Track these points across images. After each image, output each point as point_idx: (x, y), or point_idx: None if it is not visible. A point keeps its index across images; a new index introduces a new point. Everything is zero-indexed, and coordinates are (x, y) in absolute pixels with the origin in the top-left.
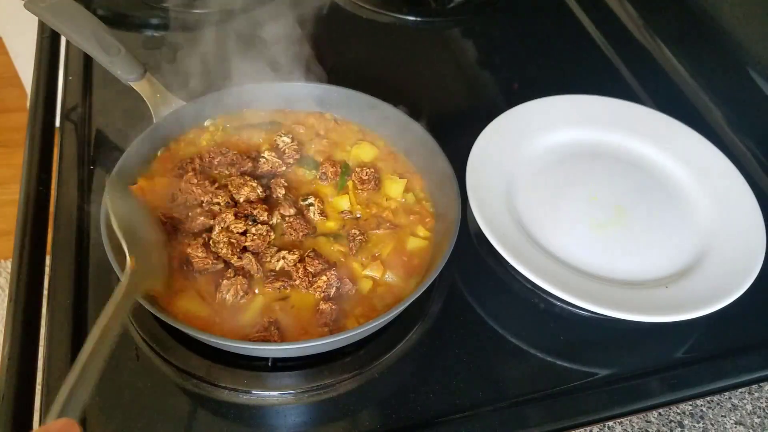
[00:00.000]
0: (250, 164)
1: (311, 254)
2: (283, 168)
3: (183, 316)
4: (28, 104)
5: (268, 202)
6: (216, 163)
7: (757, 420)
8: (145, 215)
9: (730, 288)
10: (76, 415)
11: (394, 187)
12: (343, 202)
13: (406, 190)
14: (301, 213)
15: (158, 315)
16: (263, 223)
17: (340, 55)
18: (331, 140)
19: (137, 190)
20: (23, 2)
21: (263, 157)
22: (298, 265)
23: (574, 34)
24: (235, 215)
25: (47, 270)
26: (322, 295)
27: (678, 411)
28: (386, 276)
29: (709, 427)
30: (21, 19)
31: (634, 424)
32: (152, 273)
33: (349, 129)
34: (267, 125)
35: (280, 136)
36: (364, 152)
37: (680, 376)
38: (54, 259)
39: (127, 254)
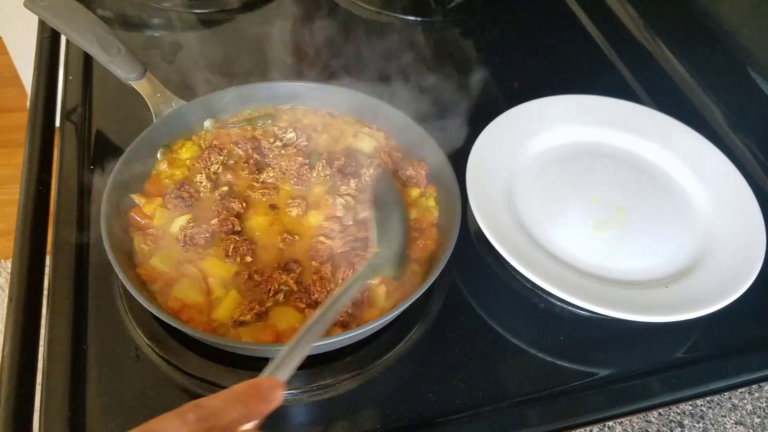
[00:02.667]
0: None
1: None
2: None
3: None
4: (28, 104)
5: None
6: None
7: (757, 420)
8: (397, 207)
9: (730, 288)
10: (285, 378)
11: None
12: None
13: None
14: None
15: (158, 315)
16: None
17: (339, 55)
18: (330, 135)
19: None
20: (23, 2)
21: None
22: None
23: (574, 34)
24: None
25: (47, 270)
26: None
27: (678, 411)
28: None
29: (709, 427)
30: (21, 18)
31: (634, 424)
32: (391, 260)
33: (345, 121)
34: (262, 119)
35: (285, 133)
36: (365, 144)
37: (680, 376)
38: (54, 259)
39: (376, 241)
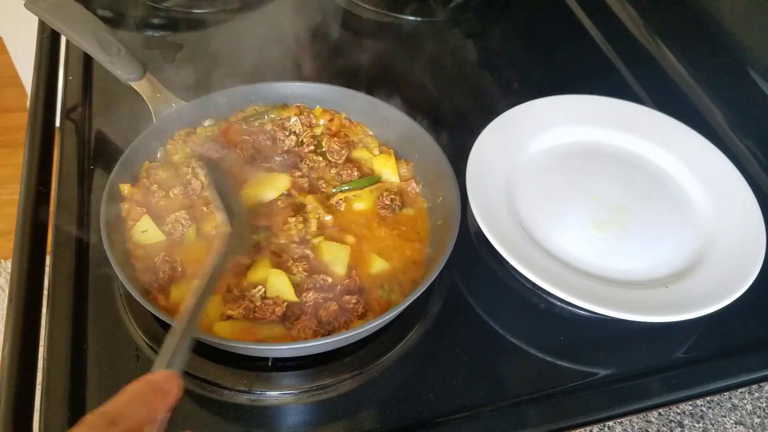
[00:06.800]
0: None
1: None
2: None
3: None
4: (28, 104)
5: None
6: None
7: (757, 420)
8: (233, 188)
9: (730, 288)
10: (180, 370)
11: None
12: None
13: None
14: None
15: (158, 315)
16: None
17: (339, 55)
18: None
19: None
20: (23, 2)
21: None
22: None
23: (574, 34)
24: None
25: (47, 270)
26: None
27: (678, 411)
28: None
29: (709, 427)
30: (21, 19)
31: (634, 424)
32: (241, 239)
33: (337, 117)
34: (271, 111)
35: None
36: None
37: (680, 376)
38: (54, 259)
39: (227, 221)
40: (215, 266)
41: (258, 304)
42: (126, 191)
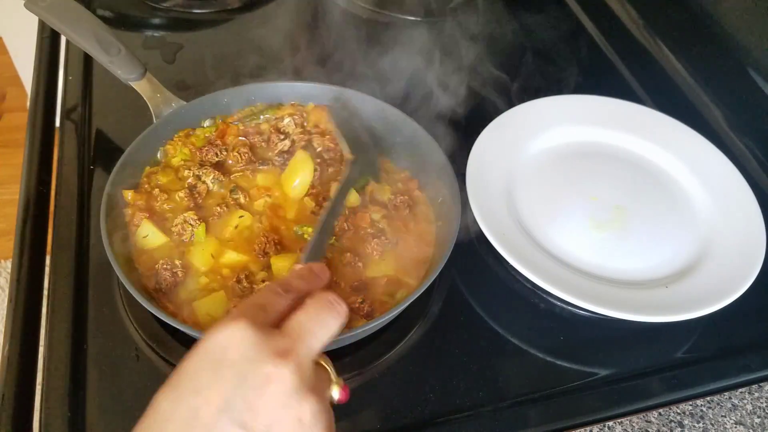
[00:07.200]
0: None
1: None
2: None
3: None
4: (28, 104)
5: None
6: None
7: (757, 420)
8: (355, 123)
9: (730, 288)
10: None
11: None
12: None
13: None
14: None
15: (158, 315)
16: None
17: (339, 55)
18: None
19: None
20: (23, 2)
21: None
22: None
23: (574, 34)
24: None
25: (47, 270)
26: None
27: (678, 411)
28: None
29: (709, 427)
30: (21, 19)
31: (634, 424)
32: (367, 166)
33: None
34: (266, 111)
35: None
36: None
37: (680, 376)
38: (54, 259)
39: (348, 152)
40: (341, 188)
41: None
42: (129, 197)
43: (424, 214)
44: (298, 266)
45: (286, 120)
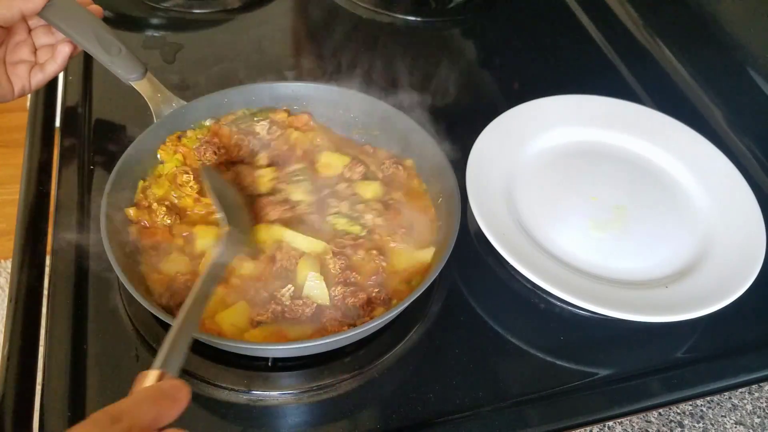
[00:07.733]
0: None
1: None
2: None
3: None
4: (28, 104)
5: None
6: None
7: (757, 420)
8: (230, 187)
9: (730, 288)
10: (175, 373)
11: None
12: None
13: None
14: None
15: (158, 315)
16: None
17: (339, 55)
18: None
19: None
20: None
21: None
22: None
23: (574, 34)
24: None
25: (47, 270)
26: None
27: (678, 411)
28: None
29: (709, 427)
30: None
31: (634, 424)
32: (243, 236)
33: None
34: (257, 114)
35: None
36: (339, 159)
37: (680, 376)
38: (54, 259)
39: (226, 222)
40: (214, 265)
41: (288, 304)
42: (132, 214)
43: (415, 190)
44: (148, 381)
45: (259, 125)
